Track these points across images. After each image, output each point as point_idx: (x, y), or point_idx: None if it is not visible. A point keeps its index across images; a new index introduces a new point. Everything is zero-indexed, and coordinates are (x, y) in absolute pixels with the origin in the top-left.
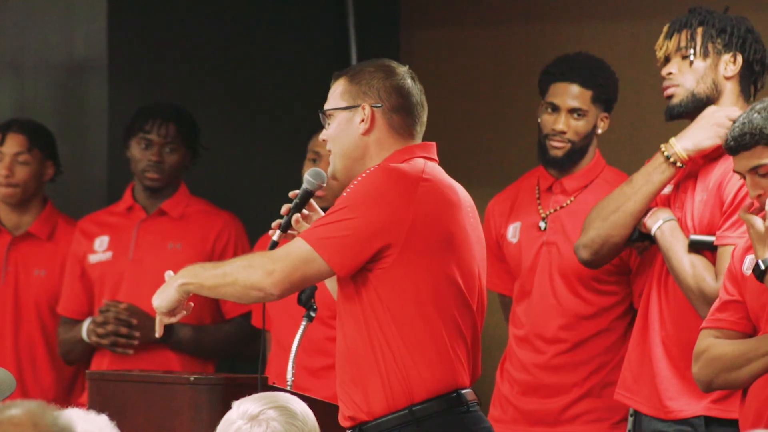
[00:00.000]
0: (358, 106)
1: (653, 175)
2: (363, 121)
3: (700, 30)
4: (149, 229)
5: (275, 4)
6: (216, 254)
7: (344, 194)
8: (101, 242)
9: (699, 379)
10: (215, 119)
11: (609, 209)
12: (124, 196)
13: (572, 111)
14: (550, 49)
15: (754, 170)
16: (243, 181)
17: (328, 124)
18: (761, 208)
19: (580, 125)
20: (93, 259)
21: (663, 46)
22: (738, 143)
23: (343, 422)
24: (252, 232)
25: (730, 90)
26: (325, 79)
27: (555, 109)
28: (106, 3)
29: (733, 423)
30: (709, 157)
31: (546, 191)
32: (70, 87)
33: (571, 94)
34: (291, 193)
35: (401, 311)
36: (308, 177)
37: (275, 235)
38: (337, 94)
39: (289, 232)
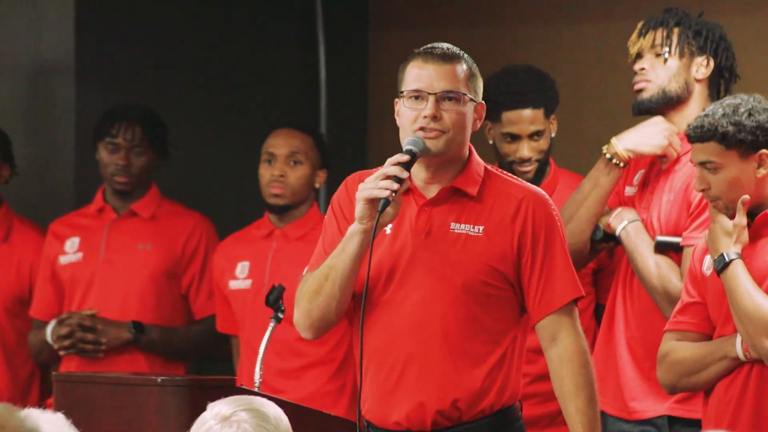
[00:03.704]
0: (477, 101)
1: (600, 178)
2: (478, 118)
3: (676, 30)
4: (120, 230)
5: (244, 5)
6: (186, 255)
7: (544, 233)
8: (72, 244)
9: (663, 382)
10: (183, 121)
11: (564, 218)
12: (95, 197)
13: (532, 135)
14: (520, 51)
15: (704, 164)
16: (212, 182)
17: (448, 100)
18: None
19: (541, 144)
20: (64, 260)
21: (636, 43)
22: (695, 134)
23: (423, 418)
24: (222, 233)
25: (700, 92)
26: (294, 81)
27: (514, 137)
28: (73, 5)
29: (697, 423)
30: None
31: None
32: (38, 89)
33: (527, 120)
34: (402, 158)
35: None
36: (416, 139)
37: (389, 195)
38: (461, 78)
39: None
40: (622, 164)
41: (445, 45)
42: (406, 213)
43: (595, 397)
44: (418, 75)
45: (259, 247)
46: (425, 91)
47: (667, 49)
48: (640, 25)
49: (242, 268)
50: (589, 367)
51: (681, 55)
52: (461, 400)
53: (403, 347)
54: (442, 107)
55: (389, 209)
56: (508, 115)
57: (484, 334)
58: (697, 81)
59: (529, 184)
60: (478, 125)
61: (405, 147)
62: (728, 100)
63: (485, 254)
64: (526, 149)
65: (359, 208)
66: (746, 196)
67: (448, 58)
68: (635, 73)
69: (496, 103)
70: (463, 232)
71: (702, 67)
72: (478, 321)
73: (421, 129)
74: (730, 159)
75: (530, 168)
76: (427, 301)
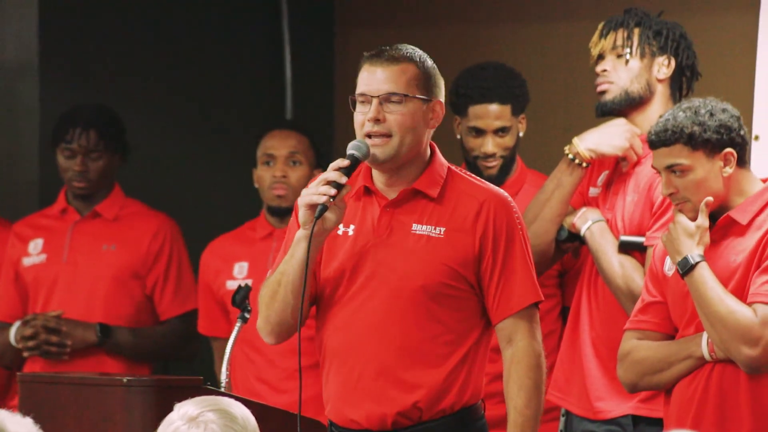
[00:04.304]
0: (432, 100)
1: (563, 179)
2: (434, 117)
3: (636, 30)
4: (83, 231)
5: (209, 2)
6: (151, 255)
7: (503, 233)
8: (35, 245)
9: (624, 381)
10: (148, 120)
11: (528, 219)
12: (59, 198)
13: (497, 131)
14: (485, 50)
15: (670, 168)
16: (177, 182)
17: (391, 102)
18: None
19: (507, 141)
20: (27, 262)
21: (598, 44)
22: (659, 138)
23: (383, 418)
24: (187, 233)
25: (662, 92)
26: (259, 78)
27: (480, 132)
28: (36, 4)
29: (660, 422)
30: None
31: None
32: (1, 88)
33: (493, 115)
34: (342, 163)
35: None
36: (359, 143)
37: (327, 200)
38: (407, 79)
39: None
40: (584, 164)
41: (396, 46)
42: (369, 214)
43: (537, 399)
44: (366, 79)
45: (259, 247)
46: (368, 94)
47: (628, 50)
48: (600, 26)
49: (240, 268)
50: (538, 371)
51: (642, 56)
52: (421, 400)
53: (363, 347)
54: (385, 109)
55: (330, 215)
56: (474, 109)
57: (446, 335)
58: (659, 81)
59: (492, 185)
60: (436, 124)
61: (347, 151)
62: (685, 104)
63: (446, 256)
64: (490, 144)
65: (301, 214)
66: (710, 198)
67: (395, 59)
68: (597, 75)
69: (464, 97)
70: (424, 233)
71: (663, 66)
72: (440, 322)
73: (368, 136)
74: (697, 160)
75: (494, 164)
76: (387, 302)
